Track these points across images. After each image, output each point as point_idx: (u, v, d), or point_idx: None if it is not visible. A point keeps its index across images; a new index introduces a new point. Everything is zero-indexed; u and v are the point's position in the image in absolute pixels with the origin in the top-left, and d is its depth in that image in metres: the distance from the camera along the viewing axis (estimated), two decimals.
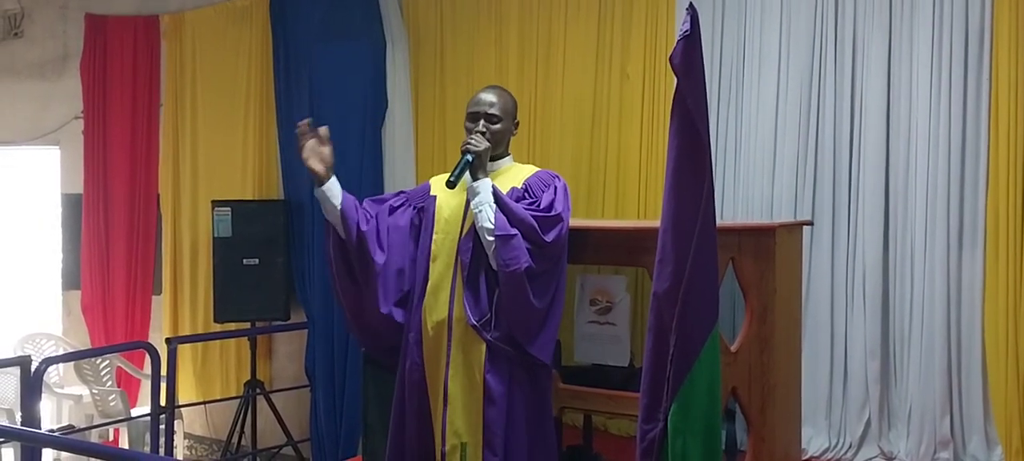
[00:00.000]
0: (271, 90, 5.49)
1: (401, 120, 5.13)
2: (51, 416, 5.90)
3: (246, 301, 5.38)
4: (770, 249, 3.31)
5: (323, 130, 3.26)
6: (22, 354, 4.87)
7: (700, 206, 2.53)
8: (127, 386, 6.02)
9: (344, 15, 5.12)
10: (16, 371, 4.44)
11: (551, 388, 3.34)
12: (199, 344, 5.90)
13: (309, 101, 5.12)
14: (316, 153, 3.23)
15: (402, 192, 3.53)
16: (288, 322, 5.46)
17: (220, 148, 5.85)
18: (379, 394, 3.66)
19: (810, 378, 3.99)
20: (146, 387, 5.55)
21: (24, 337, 6.14)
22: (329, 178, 3.24)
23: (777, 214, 4.15)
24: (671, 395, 2.57)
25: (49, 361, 4.50)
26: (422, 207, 3.39)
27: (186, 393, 5.86)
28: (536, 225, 3.12)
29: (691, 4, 2.59)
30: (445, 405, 3.23)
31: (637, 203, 4.48)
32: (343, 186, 4.93)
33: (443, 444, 3.22)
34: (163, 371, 4.77)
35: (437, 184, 3.43)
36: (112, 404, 5.65)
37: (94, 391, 5.69)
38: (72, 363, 5.71)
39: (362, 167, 5.05)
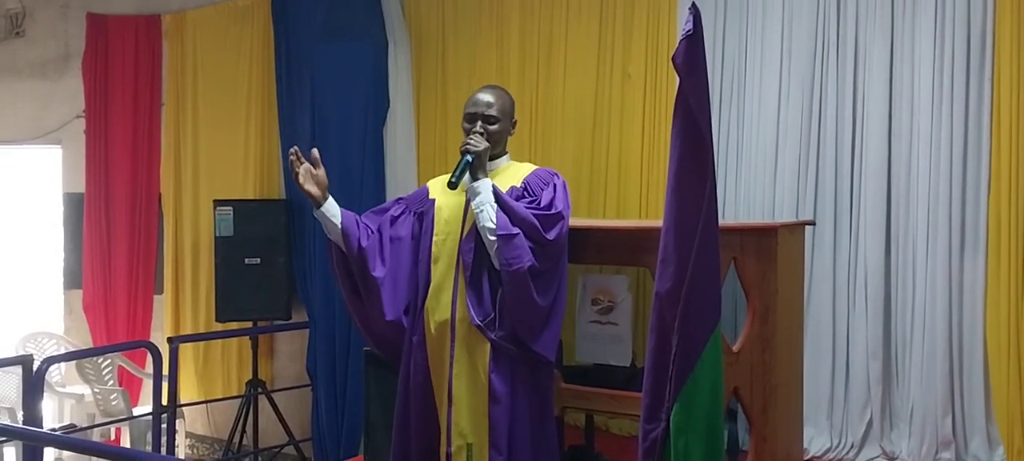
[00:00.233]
0: (273, 90, 5.49)
1: (403, 120, 5.13)
2: (53, 415, 5.91)
3: (248, 300, 5.38)
4: (772, 249, 3.31)
5: (314, 153, 3.28)
6: (24, 353, 4.87)
7: (702, 206, 2.53)
8: (129, 385, 6.02)
9: (346, 15, 5.12)
10: (18, 370, 4.45)
11: (553, 386, 3.35)
12: (201, 343, 5.90)
13: (311, 101, 5.13)
14: (311, 176, 3.25)
15: (400, 199, 3.53)
16: (289, 321, 5.47)
17: (222, 147, 5.85)
18: (381, 393, 3.67)
19: (812, 378, 4.00)
20: (148, 386, 5.55)
21: (26, 336, 6.15)
22: (326, 199, 3.27)
23: (779, 214, 4.15)
24: (673, 395, 2.57)
25: (51, 360, 4.50)
26: (422, 212, 3.40)
27: (188, 392, 5.87)
28: (537, 223, 3.13)
29: (694, 4, 2.58)
30: (450, 406, 3.23)
31: (639, 203, 4.48)
32: (344, 187, 5.01)
33: (448, 445, 3.22)
34: (165, 370, 4.78)
35: (435, 186, 3.43)
36: (114, 403, 5.65)
37: (96, 390, 5.69)
38: (74, 362, 5.72)
39: (363, 167, 5.05)
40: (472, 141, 3.23)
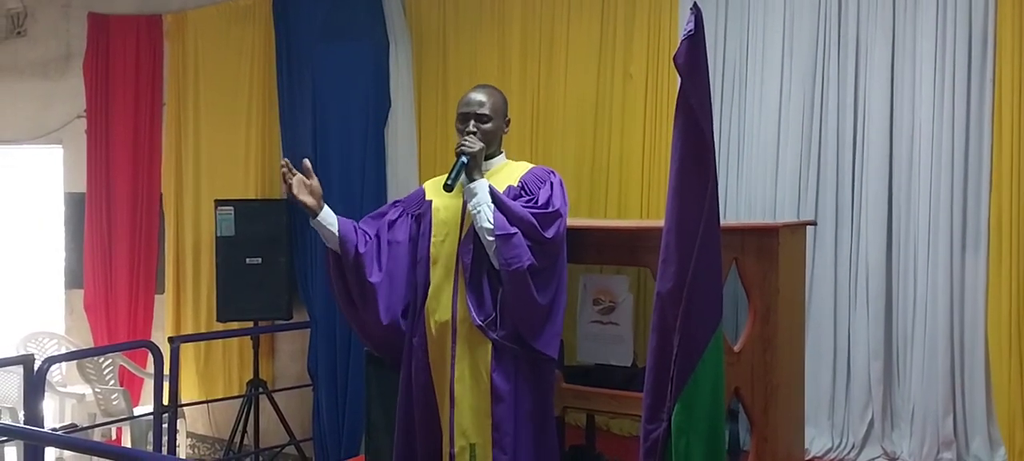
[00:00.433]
0: (274, 90, 5.49)
1: (404, 120, 5.13)
2: (54, 415, 5.92)
3: (249, 300, 5.38)
4: (773, 249, 3.31)
5: (306, 163, 3.27)
6: (25, 353, 4.87)
7: (704, 206, 2.53)
8: (130, 385, 6.02)
9: (347, 15, 5.12)
10: (19, 370, 4.45)
11: (554, 383, 3.35)
12: (202, 343, 5.90)
13: (312, 101, 5.12)
14: (304, 187, 3.24)
15: (397, 202, 3.52)
16: (290, 321, 5.47)
17: (223, 147, 5.85)
18: (382, 393, 3.67)
19: (813, 378, 3.99)
20: (149, 386, 5.55)
21: (27, 336, 6.15)
22: (321, 208, 3.26)
23: (780, 215, 4.15)
24: (674, 395, 2.57)
25: (52, 360, 4.50)
26: (419, 214, 3.39)
27: (189, 392, 5.87)
28: (535, 222, 3.13)
29: (695, 3, 2.58)
30: (451, 407, 3.23)
31: (640, 203, 4.48)
32: (345, 187, 5.01)
33: (451, 446, 3.22)
34: (166, 370, 4.78)
35: (432, 188, 3.43)
36: (115, 403, 5.66)
37: (97, 390, 5.70)
38: (75, 362, 5.72)
39: (364, 167, 5.05)
40: (467, 142, 3.22)
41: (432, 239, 3.30)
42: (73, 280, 6.51)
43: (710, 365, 2.58)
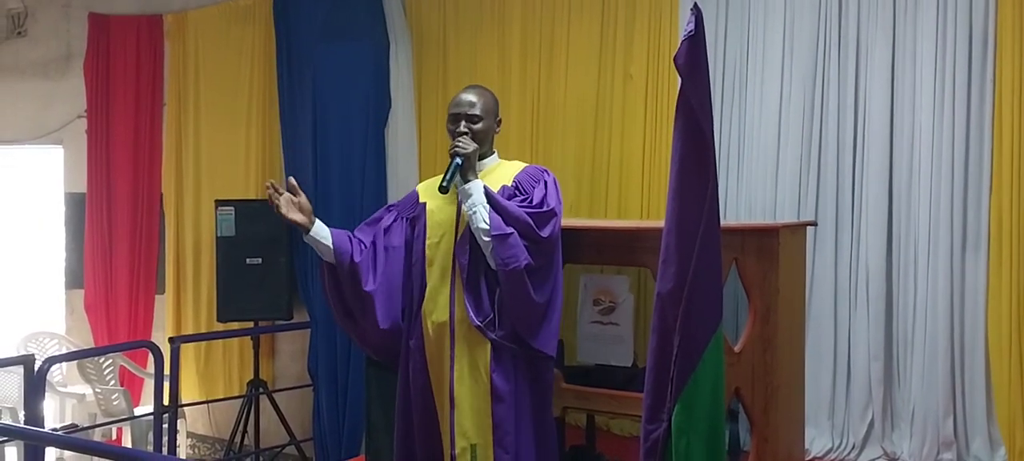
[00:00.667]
0: (274, 90, 5.49)
1: (404, 120, 5.13)
2: (54, 415, 5.92)
3: (249, 300, 5.38)
4: (774, 250, 3.31)
5: (291, 181, 3.27)
6: (25, 353, 4.88)
7: (704, 206, 2.53)
8: (130, 385, 6.03)
9: (347, 15, 5.12)
10: (19, 370, 4.45)
11: (553, 380, 3.35)
12: (202, 343, 5.90)
13: (312, 101, 5.13)
14: (293, 205, 3.23)
15: (391, 207, 3.52)
16: (291, 321, 5.47)
17: (223, 147, 5.85)
18: (382, 393, 3.67)
19: (813, 379, 3.99)
20: (149, 386, 5.55)
21: (27, 336, 6.16)
22: (313, 223, 3.25)
23: (780, 215, 4.15)
24: (675, 395, 2.57)
25: (52, 360, 4.50)
26: (414, 217, 3.39)
27: (189, 392, 5.87)
28: (531, 221, 3.13)
29: (696, 4, 2.58)
30: (452, 408, 3.23)
31: (640, 203, 4.48)
32: (346, 187, 5.01)
33: (452, 447, 3.22)
34: (166, 370, 4.78)
35: (425, 190, 3.43)
36: (115, 403, 5.66)
37: (97, 390, 5.70)
38: (75, 362, 5.72)
39: (365, 167, 5.06)
40: (460, 143, 3.22)
41: (427, 241, 3.30)
42: (73, 280, 6.51)
43: (710, 365, 2.58)
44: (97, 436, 5.45)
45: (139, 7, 6.26)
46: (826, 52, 4.12)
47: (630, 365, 3.60)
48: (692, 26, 2.50)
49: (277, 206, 3.20)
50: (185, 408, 5.65)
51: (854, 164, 4.07)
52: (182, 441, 5.70)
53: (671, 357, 2.57)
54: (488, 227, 3.10)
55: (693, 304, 2.54)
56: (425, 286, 3.29)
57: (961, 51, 3.80)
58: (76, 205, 6.45)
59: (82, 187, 6.34)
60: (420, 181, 4.84)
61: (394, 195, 4.90)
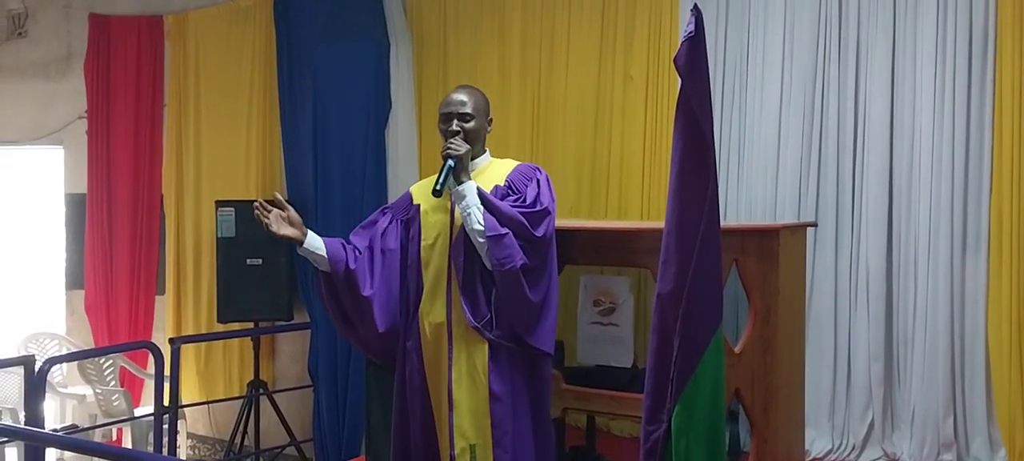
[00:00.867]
0: (275, 90, 5.49)
1: (404, 121, 5.13)
2: (55, 416, 5.92)
3: (249, 301, 5.39)
4: (774, 250, 3.31)
5: (277, 196, 3.29)
6: (26, 354, 4.88)
7: (704, 207, 2.54)
8: (130, 386, 6.02)
9: (348, 16, 5.12)
10: (20, 371, 4.45)
11: (550, 376, 3.34)
12: (202, 344, 5.90)
13: (312, 102, 5.13)
14: (282, 220, 3.24)
15: (386, 209, 3.52)
16: (291, 322, 5.47)
17: (223, 148, 5.86)
18: (382, 394, 3.67)
19: (813, 380, 3.99)
20: (149, 387, 5.56)
21: (28, 337, 6.16)
22: (305, 235, 3.26)
23: (780, 216, 4.15)
24: (675, 396, 2.57)
25: (53, 361, 4.50)
26: (408, 219, 3.40)
27: (189, 393, 5.87)
28: (525, 221, 3.14)
29: (695, 5, 2.58)
30: (450, 409, 3.23)
31: (640, 204, 4.48)
32: (346, 188, 5.01)
33: (452, 448, 3.22)
34: (166, 371, 4.78)
35: (419, 192, 3.43)
36: (115, 404, 5.66)
37: (97, 391, 5.70)
38: (76, 363, 5.72)
39: (365, 168, 5.06)
40: (453, 145, 3.23)
41: (422, 243, 3.31)
42: (74, 281, 6.51)
43: (710, 366, 2.59)
44: (97, 437, 5.45)
45: (139, 8, 6.26)
46: (826, 53, 4.12)
47: (630, 366, 3.60)
48: (692, 27, 2.50)
49: (268, 224, 3.21)
50: (185, 409, 5.65)
51: (854, 165, 4.07)
52: (182, 442, 5.70)
53: (671, 358, 2.57)
54: (483, 228, 3.11)
55: (693, 305, 2.54)
56: (421, 288, 3.30)
57: (961, 52, 3.81)
58: (76, 206, 6.45)
59: (82, 188, 6.34)
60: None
61: (394, 196, 4.89)
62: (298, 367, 5.63)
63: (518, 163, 3.41)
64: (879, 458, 3.98)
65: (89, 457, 4.31)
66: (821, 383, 4.07)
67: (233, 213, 5.38)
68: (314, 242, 3.28)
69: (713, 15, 4.29)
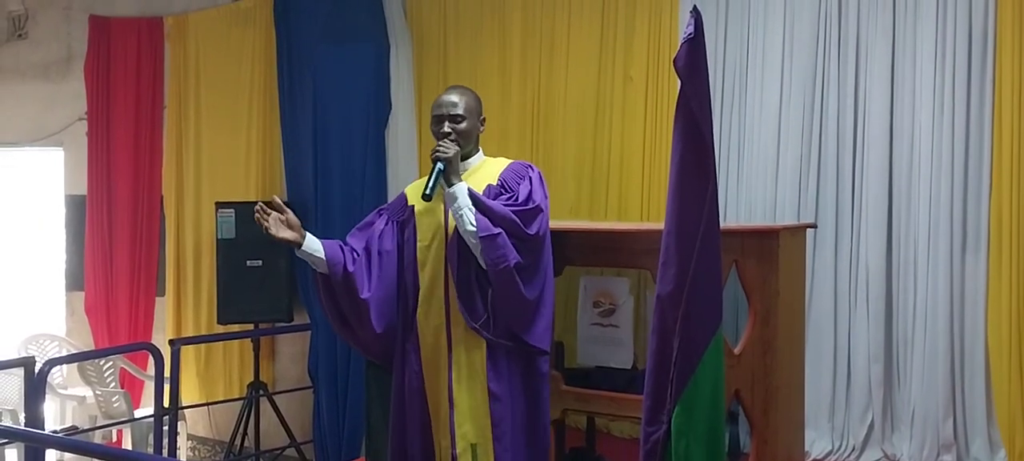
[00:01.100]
0: (275, 92, 5.50)
1: (404, 122, 5.14)
2: (55, 417, 5.92)
3: (249, 302, 5.39)
4: (773, 252, 3.31)
5: (276, 199, 3.28)
6: (26, 355, 4.87)
7: (704, 208, 2.54)
8: (130, 387, 6.02)
9: (348, 17, 5.12)
10: (20, 372, 4.45)
11: (548, 373, 3.34)
12: (202, 345, 5.90)
13: (312, 103, 5.13)
14: (280, 223, 3.25)
15: (382, 210, 3.52)
16: (291, 323, 5.47)
17: (223, 149, 5.86)
18: (382, 395, 3.67)
19: (813, 381, 4.00)
20: (149, 388, 5.56)
21: (28, 338, 6.16)
22: (304, 238, 3.27)
23: (780, 217, 4.16)
24: (674, 397, 2.57)
25: (53, 362, 4.50)
26: (403, 220, 3.40)
27: (189, 394, 5.87)
28: (517, 220, 3.13)
29: (695, 7, 2.59)
30: (451, 409, 3.23)
31: (640, 205, 4.49)
32: (346, 189, 5.01)
33: (453, 448, 3.23)
34: (166, 372, 4.78)
35: (413, 193, 3.43)
36: (115, 405, 5.65)
37: (97, 392, 5.70)
38: (76, 364, 5.72)
39: (365, 169, 5.06)
40: (441, 147, 3.22)
41: (418, 244, 3.31)
42: (74, 282, 6.51)
43: (710, 367, 2.59)
44: (97, 438, 5.45)
45: (140, 9, 6.26)
46: (826, 53, 4.12)
47: (630, 367, 3.61)
48: (691, 29, 2.50)
49: (267, 227, 3.22)
50: (185, 410, 5.65)
51: (854, 165, 4.08)
52: (182, 443, 5.69)
53: (671, 359, 2.57)
54: (475, 229, 3.11)
55: (693, 306, 2.54)
56: (418, 289, 3.30)
57: (961, 52, 3.81)
58: (77, 207, 6.45)
59: (82, 189, 6.34)
60: None
61: (394, 197, 4.90)
62: (298, 368, 5.63)
63: (511, 161, 3.41)
64: (879, 459, 3.99)
65: (89, 458, 4.31)
66: (821, 384, 4.07)
67: (233, 214, 5.38)
68: (312, 244, 3.28)
69: (713, 16, 4.30)
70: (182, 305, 6.01)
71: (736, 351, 3.32)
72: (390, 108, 5.13)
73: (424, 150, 5.16)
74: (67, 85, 6.55)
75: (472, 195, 3.16)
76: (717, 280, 2.63)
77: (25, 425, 4.40)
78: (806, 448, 3.96)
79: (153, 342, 5.63)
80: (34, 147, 6.76)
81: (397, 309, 3.37)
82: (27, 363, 4.30)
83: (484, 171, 3.35)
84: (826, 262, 4.10)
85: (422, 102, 5.18)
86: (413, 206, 3.37)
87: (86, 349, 6.17)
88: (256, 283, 5.37)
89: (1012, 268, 3.71)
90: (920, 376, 3.89)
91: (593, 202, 4.62)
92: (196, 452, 6.14)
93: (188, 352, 5.83)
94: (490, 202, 3.15)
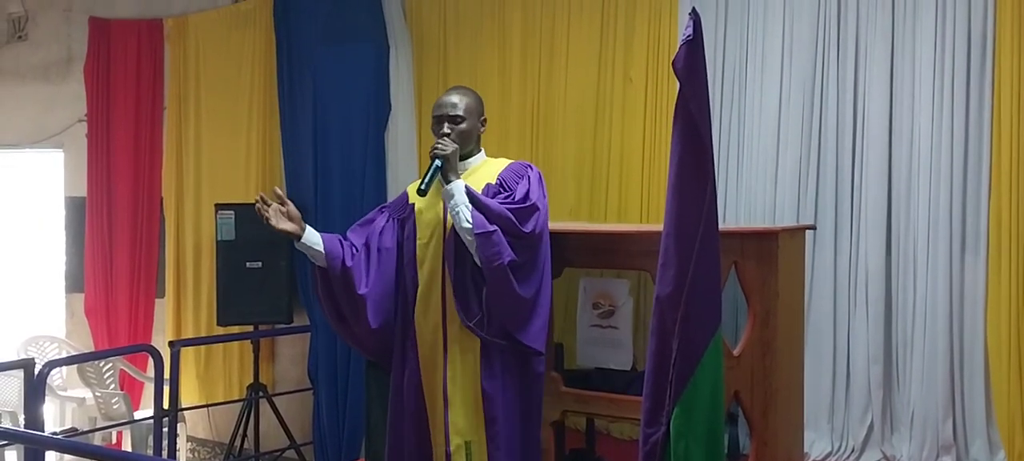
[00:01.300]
0: (274, 93, 5.50)
1: (404, 123, 5.14)
2: (54, 419, 5.91)
3: (249, 304, 5.39)
4: (773, 253, 3.31)
5: (277, 190, 3.31)
6: (25, 357, 4.87)
7: (703, 210, 2.54)
8: (130, 389, 6.03)
9: (347, 18, 5.12)
10: (19, 374, 4.46)
11: (542, 373, 3.35)
12: (202, 347, 5.90)
13: (312, 104, 5.13)
14: (281, 215, 3.26)
15: (383, 207, 3.54)
16: (291, 325, 5.47)
17: (223, 151, 5.86)
18: (382, 396, 3.67)
19: (813, 382, 4.00)
20: (149, 390, 5.55)
21: (27, 340, 6.15)
22: (304, 230, 3.29)
23: (779, 218, 4.16)
24: (674, 399, 2.57)
25: (52, 364, 4.50)
26: (404, 218, 3.42)
27: (189, 396, 5.87)
28: (513, 217, 3.15)
29: (694, 9, 2.59)
30: (446, 406, 3.24)
31: (640, 206, 4.49)
32: (346, 190, 5.02)
33: (447, 445, 3.24)
34: (166, 374, 4.78)
35: (414, 191, 3.45)
36: (115, 407, 5.65)
37: (97, 394, 5.69)
38: (75, 366, 5.72)
39: (365, 171, 5.06)
40: (440, 145, 3.25)
41: (417, 241, 3.33)
42: (74, 284, 6.51)
43: (709, 369, 2.59)
44: (97, 440, 5.45)
45: (139, 11, 6.26)
46: (825, 55, 4.12)
47: (629, 369, 3.60)
48: (690, 30, 2.50)
49: (267, 218, 3.23)
50: (185, 412, 5.65)
51: (853, 167, 4.08)
52: (182, 445, 5.69)
53: (670, 360, 2.57)
54: (471, 226, 3.13)
55: (692, 307, 2.54)
56: (417, 286, 3.31)
57: (960, 54, 3.81)
58: (76, 209, 6.45)
59: (82, 191, 6.34)
60: None
61: (394, 198, 4.91)
62: (298, 370, 5.63)
63: (511, 161, 3.42)
64: (878, 460, 3.98)
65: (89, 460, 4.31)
66: (820, 385, 4.07)
67: (233, 216, 5.38)
68: (312, 238, 3.30)
69: (712, 18, 4.30)
70: (182, 307, 6.01)
71: (735, 352, 3.32)
72: (390, 109, 5.13)
73: (424, 151, 5.16)
74: (67, 87, 6.55)
75: (469, 193, 3.18)
76: (716, 281, 2.64)
77: (25, 427, 4.40)
78: (805, 449, 3.96)
79: (153, 344, 5.64)
80: (34, 149, 6.76)
81: (396, 306, 3.38)
82: (27, 365, 4.30)
83: (484, 170, 3.37)
84: (825, 263, 4.10)
85: (422, 103, 5.18)
86: (414, 204, 3.38)
87: (86, 351, 6.17)
88: (256, 285, 5.37)
89: (1011, 269, 3.71)
90: (920, 377, 3.89)
91: (593, 203, 4.62)
92: (196, 454, 6.14)
93: (188, 354, 5.83)
94: (487, 200, 3.17)
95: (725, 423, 2.96)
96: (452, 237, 3.23)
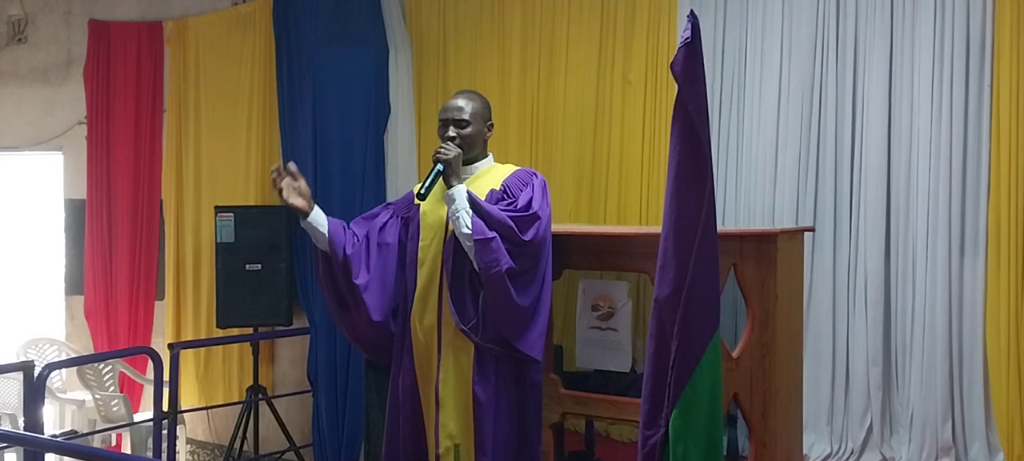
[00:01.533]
0: (274, 96, 5.50)
1: (404, 126, 5.14)
2: (54, 421, 5.91)
3: (249, 306, 5.39)
4: (772, 255, 3.32)
5: (292, 166, 3.31)
6: (25, 359, 4.88)
7: (701, 212, 2.54)
8: (130, 391, 6.03)
9: (347, 21, 5.13)
10: (19, 376, 4.46)
11: (540, 382, 3.35)
12: (202, 349, 5.90)
13: (312, 107, 5.14)
14: (293, 189, 3.27)
15: (389, 205, 3.55)
16: (290, 327, 5.47)
17: (223, 154, 5.86)
18: (381, 398, 3.67)
19: (812, 384, 4.00)
20: (149, 392, 5.55)
21: (27, 342, 6.15)
22: (312, 209, 3.31)
23: (779, 220, 4.16)
24: (672, 401, 2.57)
25: (52, 366, 4.50)
26: (408, 217, 3.42)
27: (189, 398, 5.87)
28: (513, 225, 3.15)
29: (692, 11, 2.59)
30: (437, 408, 3.25)
31: (639, 208, 4.49)
32: (346, 192, 5.02)
33: (437, 446, 3.24)
34: (166, 376, 4.79)
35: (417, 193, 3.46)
36: (115, 409, 5.65)
37: (97, 396, 5.70)
38: (75, 368, 5.72)
39: (365, 173, 5.06)
40: (442, 149, 3.25)
41: (420, 243, 3.33)
42: (73, 286, 6.51)
43: (708, 370, 2.59)
44: (97, 442, 5.45)
45: (139, 13, 6.27)
46: (824, 57, 4.13)
47: (628, 370, 3.61)
48: (688, 33, 2.50)
49: (280, 190, 3.24)
50: (185, 414, 5.65)
51: (852, 169, 4.08)
52: (181, 447, 5.69)
53: (669, 362, 2.57)
54: (470, 232, 3.13)
55: (691, 309, 2.55)
56: (416, 287, 3.32)
57: (959, 55, 3.82)
58: (76, 211, 6.46)
59: (82, 193, 6.34)
60: None
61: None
62: (297, 372, 5.63)
63: (517, 168, 3.42)
64: None
65: None
66: (820, 387, 4.08)
67: (232, 218, 5.38)
68: (318, 218, 3.33)
69: (711, 20, 4.30)
70: (181, 309, 6.01)
71: (734, 354, 3.32)
72: (389, 112, 5.13)
73: (424, 154, 5.17)
74: (67, 89, 6.55)
75: (471, 198, 3.18)
76: (715, 283, 2.64)
77: (24, 429, 4.40)
78: (805, 451, 3.96)
79: (152, 346, 5.64)
80: (34, 151, 6.77)
81: (396, 305, 3.39)
82: (26, 367, 4.30)
83: (490, 176, 3.37)
84: (825, 265, 4.10)
85: (421, 106, 5.18)
86: (419, 204, 3.39)
87: (85, 353, 6.17)
88: (255, 287, 5.37)
89: (1010, 271, 3.71)
90: (919, 379, 3.89)
91: (592, 205, 4.62)
92: (195, 456, 6.14)
93: (187, 356, 5.83)
94: (488, 206, 3.17)
95: (724, 425, 2.96)
96: (452, 241, 3.23)
